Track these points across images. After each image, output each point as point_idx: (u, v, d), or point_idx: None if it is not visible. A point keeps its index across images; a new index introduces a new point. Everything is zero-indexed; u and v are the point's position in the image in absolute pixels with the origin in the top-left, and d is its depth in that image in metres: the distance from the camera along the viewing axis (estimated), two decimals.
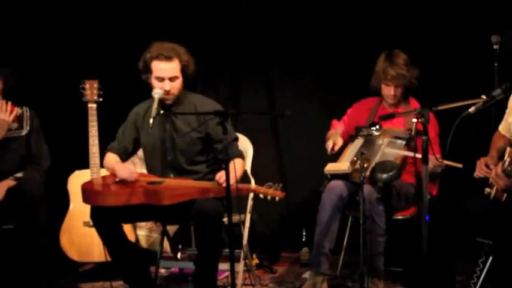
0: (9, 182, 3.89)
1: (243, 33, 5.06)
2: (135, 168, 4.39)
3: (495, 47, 4.06)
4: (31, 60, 4.97)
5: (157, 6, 5.06)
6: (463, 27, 4.42)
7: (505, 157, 3.10)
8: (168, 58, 3.77)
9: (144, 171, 4.06)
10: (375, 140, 4.01)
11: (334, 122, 4.31)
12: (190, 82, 3.96)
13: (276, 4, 4.98)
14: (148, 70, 3.82)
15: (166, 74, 3.78)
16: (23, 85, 4.12)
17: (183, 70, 3.84)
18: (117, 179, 3.74)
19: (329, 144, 4.03)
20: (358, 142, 4.03)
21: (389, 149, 3.94)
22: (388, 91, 4.06)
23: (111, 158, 3.93)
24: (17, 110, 4.03)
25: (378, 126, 3.95)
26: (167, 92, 3.78)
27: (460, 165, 3.62)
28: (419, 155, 3.19)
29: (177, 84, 3.83)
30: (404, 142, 3.92)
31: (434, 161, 3.60)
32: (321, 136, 4.19)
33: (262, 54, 5.07)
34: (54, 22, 5.09)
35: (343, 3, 4.85)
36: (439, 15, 4.55)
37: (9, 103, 3.97)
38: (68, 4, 5.08)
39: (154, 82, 3.81)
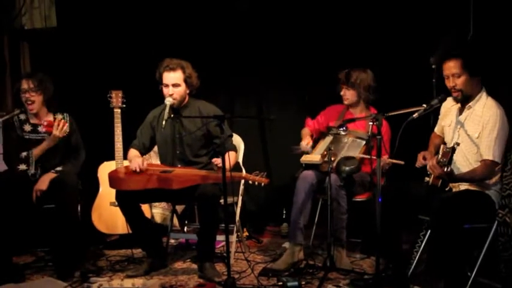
0: (51, 175, 3.86)
1: (239, 56, 5.07)
2: (151, 160, 4.43)
3: (433, 66, 4.10)
4: (71, 77, 5.03)
5: (169, 33, 5.09)
6: (410, 52, 4.45)
7: (439, 152, 3.13)
8: (173, 69, 3.80)
9: (158, 162, 4.08)
10: (341, 138, 4.01)
11: (308, 119, 4.30)
12: (196, 91, 3.97)
13: (265, 31, 5.03)
14: (160, 80, 3.85)
15: (170, 81, 3.81)
16: (65, 95, 4.11)
17: (186, 80, 3.85)
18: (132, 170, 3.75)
19: (303, 144, 4.04)
20: (328, 139, 4.02)
21: (353, 147, 3.95)
22: (342, 93, 4.08)
23: (133, 153, 3.95)
24: (66, 127, 3.95)
25: (344, 128, 3.96)
26: (171, 96, 3.79)
27: (402, 162, 3.65)
28: (374, 157, 3.22)
29: (179, 90, 3.83)
30: (364, 142, 3.93)
31: (383, 160, 3.65)
32: (298, 135, 4.20)
33: (253, 71, 5.09)
34: (89, 46, 5.15)
35: (316, 33, 4.89)
36: (393, 44, 4.59)
37: (66, 123, 3.93)
38: (98, 31, 5.14)
39: (163, 89, 3.84)
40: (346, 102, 4.12)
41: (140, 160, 3.74)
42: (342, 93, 4.09)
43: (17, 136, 3.95)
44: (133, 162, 3.73)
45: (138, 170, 3.67)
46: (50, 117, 3.99)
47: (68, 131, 3.97)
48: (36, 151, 3.89)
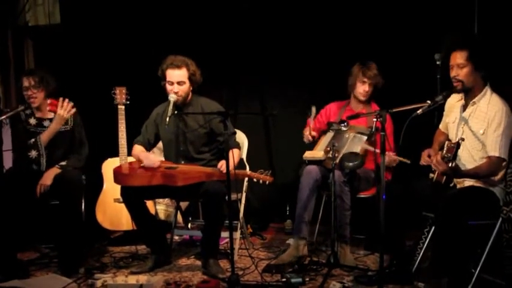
0: (55, 170, 3.88)
1: (244, 53, 5.06)
2: (155, 156, 4.41)
3: (438, 63, 4.08)
4: (75, 73, 5.03)
5: (173, 30, 5.08)
6: (415, 48, 4.43)
7: (444, 148, 3.11)
8: (177, 66, 3.78)
9: (163, 158, 4.07)
10: (343, 134, 3.99)
11: (309, 121, 4.31)
12: (199, 88, 3.95)
13: (270, 28, 5.01)
14: (164, 77, 3.83)
15: (175, 79, 3.79)
16: (69, 92, 4.10)
17: (190, 78, 3.83)
18: (142, 165, 3.75)
19: (306, 132, 4.04)
20: (330, 135, 4.02)
21: (354, 142, 3.93)
22: (363, 88, 4.04)
23: (138, 148, 3.94)
24: (71, 108, 3.96)
25: (346, 123, 3.95)
26: (175, 93, 3.78)
27: (408, 161, 3.64)
28: (378, 150, 3.20)
29: (184, 88, 3.81)
30: (366, 137, 3.92)
31: (390, 157, 3.63)
32: (300, 131, 4.18)
33: (257, 68, 5.07)
34: (92, 43, 5.16)
35: (320, 30, 4.88)
36: (398, 40, 4.58)
37: (70, 104, 3.94)
38: (101, 27, 5.14)
39: (167, 86, 3.82)
40: (363, 98, 4.08)
41: (153, 156, 3.74)
42: (364, 88, 4.04)
43: (23, 128, 3.97)
44: (149, 160, 3.72)
45: (156, 165, 3.68)
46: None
47: (73, 111, 3.97)
48: (44, 135, 3.90)
